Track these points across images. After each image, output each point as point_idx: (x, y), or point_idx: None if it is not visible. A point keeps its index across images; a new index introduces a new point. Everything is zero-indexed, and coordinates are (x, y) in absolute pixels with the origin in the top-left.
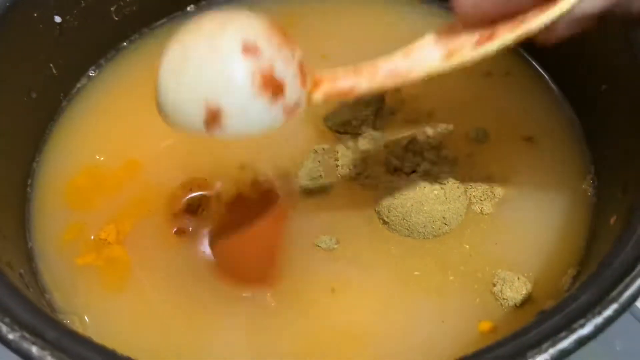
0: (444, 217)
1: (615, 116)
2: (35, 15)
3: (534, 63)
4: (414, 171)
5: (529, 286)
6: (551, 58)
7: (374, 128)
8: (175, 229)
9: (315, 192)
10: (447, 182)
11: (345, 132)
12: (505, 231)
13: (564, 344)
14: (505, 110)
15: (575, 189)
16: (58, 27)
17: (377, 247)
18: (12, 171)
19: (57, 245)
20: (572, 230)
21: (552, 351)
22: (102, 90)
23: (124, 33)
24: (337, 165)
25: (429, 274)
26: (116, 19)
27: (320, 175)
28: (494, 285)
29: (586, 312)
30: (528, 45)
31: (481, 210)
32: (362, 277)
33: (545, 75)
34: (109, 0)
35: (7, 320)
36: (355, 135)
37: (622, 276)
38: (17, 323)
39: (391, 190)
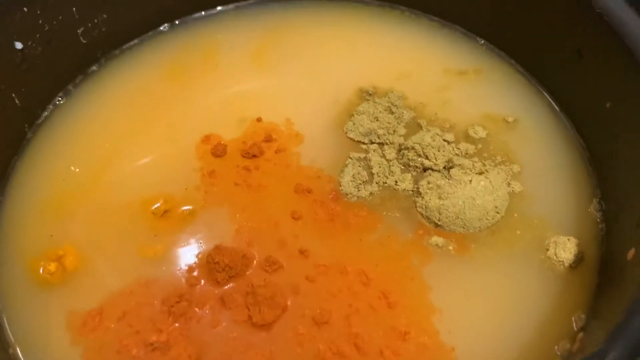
0: (496, 207)
1: (622, 134)
2: None
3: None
4: (451, 167)
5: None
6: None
7: (399, 135)
8: None
9: (358, 201)
10: (487, 169)
11: (371, 142)
12: (539, 202)
13: None
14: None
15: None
16: (20, 53)
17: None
18: None
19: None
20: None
21: None
22: (70, 118)
23: (92, 56)
24: (373, 174)
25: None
26: (84, 42)
27: (361, 183)
28: (547, 249)
29: None
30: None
31: (513, 190)
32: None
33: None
34: (76, 22)
35: None
36: (381, 144)
37: None
38: None
39: (435, 192)
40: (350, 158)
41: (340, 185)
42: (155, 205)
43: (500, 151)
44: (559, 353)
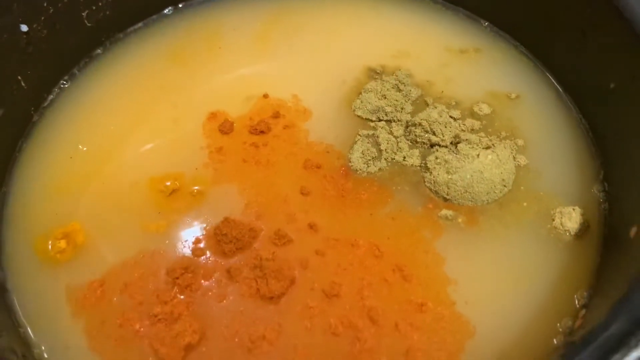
0: (503, 180)
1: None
2: None
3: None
4: (458, 142)
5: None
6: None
7: (406, 112)
8: None
9: (368, 177)
10: (494, 143)
11: (379, 120)
12: (544, 176)
13: None
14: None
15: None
16: (25, 36)
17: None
18: None
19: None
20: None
21: None
22: (76, 101)
23: (97, 40)
24: (382, 150)
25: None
26: (89, 25)
27: (371, 159)
28: (553, 219)
29: (620, 344)
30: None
31: (519, 163)
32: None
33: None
34: (80, 5)
35: None
36: (389, 121)
37: None
38: None
39: (443, 167)
40: (359, 135)
41: (350, 162)
42: (165, 184)
43: (504, 127)
44: (560, 330)
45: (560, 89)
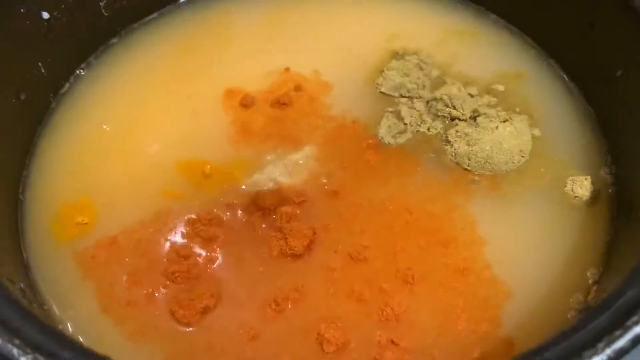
0: (521, 150)
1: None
2: (22, 11)
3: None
4: (477, 116)
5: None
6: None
7: (427, 90)
8: None
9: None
10: (512, 117)
11: (402, 96)
12: (557, 147)
13: (620, 342)
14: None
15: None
16: (46, 23)
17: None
18: (3, 179)
19: (53, 256)
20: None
21: (608, 351)
22: (92, 89)
23: (113, 29)
24: (406, 124)
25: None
26: (106, 14)
27: (397, 133)
28: (565, 185)
29: (637, 308)
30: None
31: (533, 135)
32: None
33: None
34: None
35: (17, 342)
36: (411, 98)
37: None
38: (28, 345)
39: (463, 139)
40: (386, 111)
41: (378, 134)
42: (200, 171)
43: (518, 104)
44: (590, 279)
45: (567, 77)
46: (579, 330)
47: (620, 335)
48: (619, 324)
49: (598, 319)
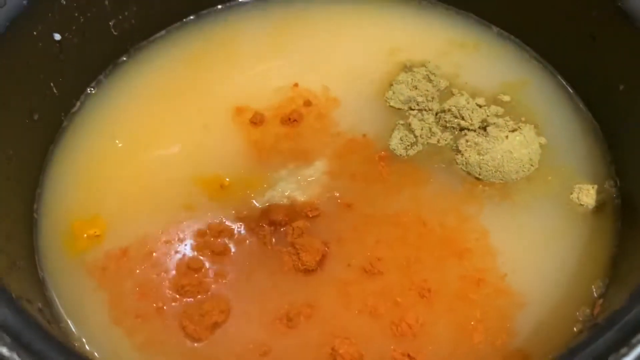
0: (530, 159)
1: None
2: (35, 33)
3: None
4: (486, 126)
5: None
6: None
7: (437, 102)
8: None
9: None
10: (520, 126)
11: (411, 109)
12: (565, 156)
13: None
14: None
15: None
16: (58, 44)
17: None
18: (19, 198)
19: (67, 270)
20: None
21: None
22: (102, 107)
23: (122, 47)
24: (417, 136)
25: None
26: (115, 33)
27: (409, 145)
28: (571, 193)
29: None
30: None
31: (541, 144)
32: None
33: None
34: (108, 14)
35: None
36: (420, 110)
37: None
38: None
39: (473, 148)
40: (397, 123)
41: (390, 146)
42: (217, 184)
43: (524, 114)
44: (594, 290)
45: (571, 90)
46: (586, 348)
47: (626, 354)
48: (625, 342)
49: (604, 335)
